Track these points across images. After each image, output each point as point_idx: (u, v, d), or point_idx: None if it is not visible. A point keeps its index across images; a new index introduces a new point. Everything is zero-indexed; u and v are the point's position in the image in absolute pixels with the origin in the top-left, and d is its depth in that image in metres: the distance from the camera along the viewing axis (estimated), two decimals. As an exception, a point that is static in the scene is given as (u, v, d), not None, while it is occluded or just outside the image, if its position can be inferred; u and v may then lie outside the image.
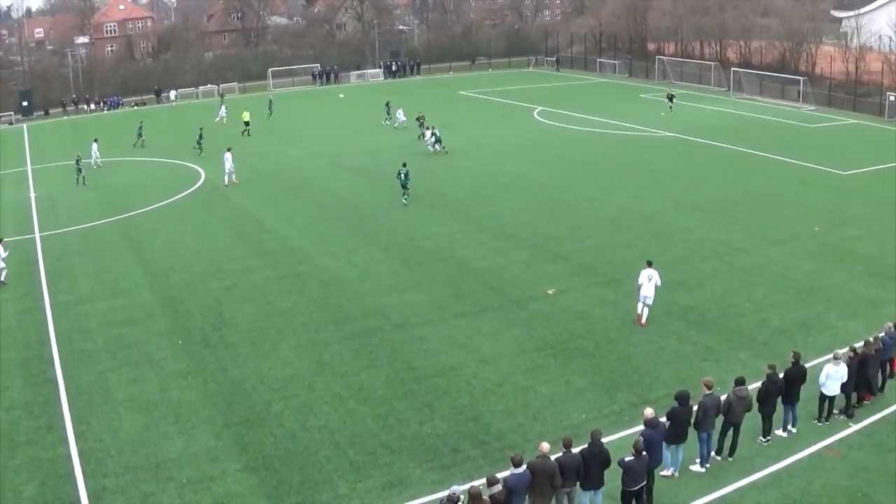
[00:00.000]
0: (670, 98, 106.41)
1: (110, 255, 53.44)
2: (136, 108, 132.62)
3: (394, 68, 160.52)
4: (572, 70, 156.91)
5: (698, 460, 28.08)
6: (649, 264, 40.95)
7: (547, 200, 62.70)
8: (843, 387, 30.38)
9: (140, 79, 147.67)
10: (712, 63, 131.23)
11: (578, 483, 24.68)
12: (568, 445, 24.50)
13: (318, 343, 39.16)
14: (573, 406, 32.70)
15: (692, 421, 27.35)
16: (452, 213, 59.88)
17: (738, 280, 45.64)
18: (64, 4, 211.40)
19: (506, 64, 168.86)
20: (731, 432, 28.47)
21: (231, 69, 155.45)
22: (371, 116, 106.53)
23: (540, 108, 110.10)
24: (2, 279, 48.90)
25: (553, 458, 24.25)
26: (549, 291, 44.43)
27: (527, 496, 23.84)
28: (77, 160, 74.42)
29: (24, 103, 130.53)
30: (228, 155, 71.48)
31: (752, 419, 28.91)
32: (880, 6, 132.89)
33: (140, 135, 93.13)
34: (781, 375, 29.46)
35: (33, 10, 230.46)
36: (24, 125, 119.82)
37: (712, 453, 28.39)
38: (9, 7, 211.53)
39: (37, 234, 57.92)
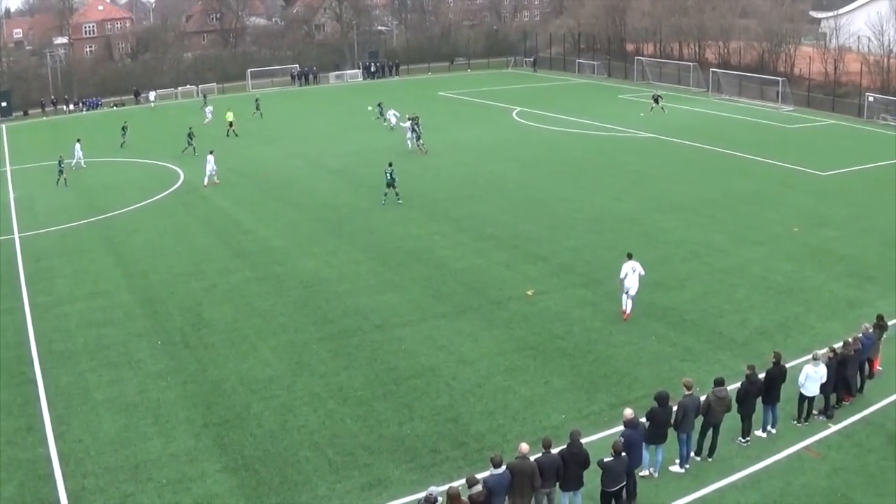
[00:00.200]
0: (656, 99, 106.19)
1: (89, 256, 53.29)
2: (115, 108, 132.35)
3: (373, 69, 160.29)
4: (551, 71, 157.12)
5: (678, 461, 28.13)
6: (629, 257, 41.40)
7: (526, 201, 62.72)
8: (823, 387, 30.47)
9: (119, 79, 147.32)
10: (691, 64, 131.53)
11: (558, 484, 24.70)
12: (547, 446, 24.51)
13: (297, 344, 39.11)
14: (552, 407, 32.73)
15: (672, 421, 27.40)
16: (431, 214, 59.87)
17: (718, 281, 45.75)
18: (42, 5, 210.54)
19: (484, 65, 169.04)
20: (710, 433, 28.52)
21: (210, 70, 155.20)
22: (350, 117, 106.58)
23: (519, 108, 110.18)
24: None
25: (532, 458, 24.26)
26: (529, 292, 44.45)
27: (506, 497, 23.86)
28: (59, 160, 74.09)
29: (3, 104, 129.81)
30: (211, 157, 71.59)
31: (731, 420, 28.99)
32: (859, 7, 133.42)
33: (123, 133, 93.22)
34: (761, 376, 29.58)
35: (12, 10, 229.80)
36: (3, 126, 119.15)
37: (692, 454, 28.44)
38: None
39: (16, 235, 57.73)
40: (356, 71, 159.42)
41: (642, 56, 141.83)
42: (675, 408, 27.49)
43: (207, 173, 71.12)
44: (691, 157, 78.56)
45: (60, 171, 73.66)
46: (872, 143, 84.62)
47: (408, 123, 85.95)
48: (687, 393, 27.64)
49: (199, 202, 66.03)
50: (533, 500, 24.48)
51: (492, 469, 23.54)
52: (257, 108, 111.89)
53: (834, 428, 30.62)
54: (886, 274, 46.03)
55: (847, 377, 31.55)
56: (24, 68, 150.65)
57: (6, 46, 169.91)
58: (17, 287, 48.16)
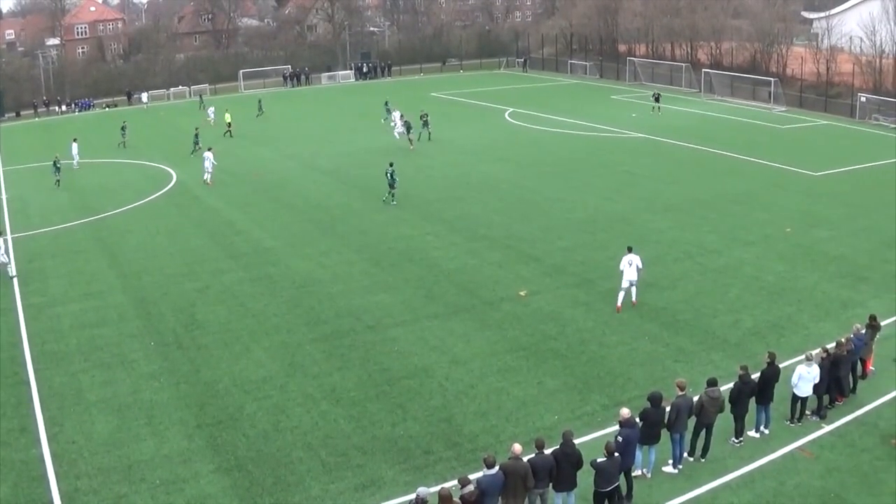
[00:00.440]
0: (657, 98, 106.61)
1: (82, 257, 53.24)
2: (107, 109, 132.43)
3: (365, 70, 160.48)
4: (543, 71, 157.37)
5: (671, 461, 28.15)
6: (629, 250, 41.92)
7: (519, 201, 62.75)
8: (816, 388, 30.49)
9: (111, 80, 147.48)
10: (683, 64, 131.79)
11: (551, 484, 24.71)
12: (540, 447, 24.52)
13: (290, 345, 39.10)
14: (546, 407, 32.74)
15: (665, 422, 27.42)
16: (424, 215, 59.88)
17: (711, 281, 45.78)
18: (35, 6, 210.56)
19: (477, 65, 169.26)
20: (703, 433, 28.53)
21: (202, 71, 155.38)
22: (343, 118, 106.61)
23: (511, 109, 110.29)
24: (13, 273, 49.60)
25: (525, 459, 24.27)
26: (522, 293, 44.46)
27: (500, 498, 23.87)
28: (55, 161, 73.92)
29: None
30: (209, 154, 72.26)
31: (724, 420, 29.01)
32: (851, 7, 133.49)
33: (123, 133, 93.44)
34: (755, 376, 29.61)
35: (4, 11, 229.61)
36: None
37: (685, 454, 28.47)
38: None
39: (9, 236, 57.61)
40: (348, 72, 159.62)
41: (634, 57, 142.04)
42: (668, 408, 27.51)
43: (208, 170, 71.65)
44: (683, 157, 78.63)
45: (57, 170, 73.44)
46: (865, 143, 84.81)
47: (397, 113, 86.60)
48: (680, 393, 27.63)
49: (193, 203, 66.02)
50: (526, 500, 24.49)
51: (485, 470, 23.53)
52: (260, 109, 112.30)
53: (827, 428, 30.65)
54: (879, 274, 46.12)
55: (840, 378, 31.59)
56: (16, 69, 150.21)
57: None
58: (9, 288, 48.05)
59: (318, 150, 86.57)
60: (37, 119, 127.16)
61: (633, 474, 27.08)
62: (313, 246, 53.66)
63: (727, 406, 28.85)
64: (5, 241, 50.51)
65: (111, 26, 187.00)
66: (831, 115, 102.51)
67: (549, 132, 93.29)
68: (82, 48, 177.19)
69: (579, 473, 25.00)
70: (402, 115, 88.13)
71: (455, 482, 24.08)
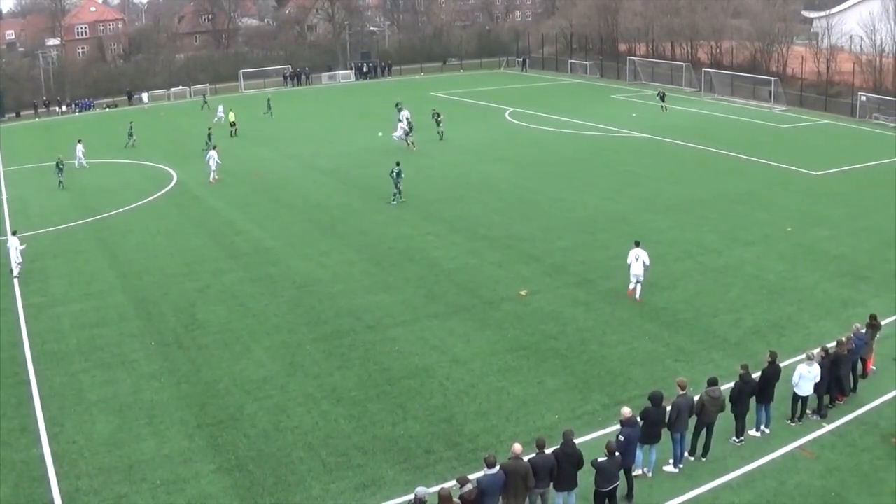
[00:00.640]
0: (662, 97, 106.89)
1: (83, 257, 53.24)
2: (107, 109, 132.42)
3: (365, 69, 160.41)
4: (544, 71, 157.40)
5: (671, 461, 28.14)
6: (637, 244, 42.28)
7: (519, 201, 62.75)
8: (816, 387, 30.47)
9: (111, 80, 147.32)
10: (683, 64, 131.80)
11: (552, 484, 24.70)
12: (541, 446, 24.51)
13: (290, 344, 39.10)
14: (546, 407, 32.73)
15: (666, 421, 27.40)
16: (424, 214, 59.87)
17: (711, 281, 45.77)
18: (35, 6, 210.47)
19: (477, 65, 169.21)
20: (704, 433, 28.51)
21: (202, 71, 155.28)
22: (343, 118, 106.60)
23: (511, 108, 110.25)
24: (15, 273, 49.60)
25: (526, 458, 24.26)
26: (522, 292, 44.45)
27: (500, 497, 23.86)
28: (58, 162, 73.68)
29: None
30: (213, 153, 72.70)
31: (725, 419, 28.99)
32: (851, 6, 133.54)
33: (131, 135, 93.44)
34: (755, 375, 29.60)
35: (4, 11, 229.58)
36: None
37: (685, 454, 28.46)
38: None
39: (9, 236, 57.65)
40: (348, 71, 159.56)
41: (634, 56, 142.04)
42: (668, 408, 27.51)
43: (213, 168, 72.07)
44: (684, 157, 78.59)
45: (60, 171, 73.29)
46: (865, 142, 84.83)
47: (406, 112, 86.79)
48: (681, 393, 27.62)
49: (193, 203, 66.04)
50: (527, 500, 24.49)
51: (486, 469, 23.53)
52: (269, 108, 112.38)
53: (828, 427, 30.64)
54: (880, 273, 46.11)
55: (840, 377, 31.57)
56: (16, 70, 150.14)
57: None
58: (10, 288, 48.07)
59: (319, 149, 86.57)
60: (37, 119, 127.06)
61: (634, 474, 27.09)
62: (313, 246, 53.66)
63: (728, 405, 28.84)
64: (20, 241, 50.66)
65: (111, 26, 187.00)
66: (832, 115, 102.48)
67: (550, 132, 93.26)
68: (82, 48, 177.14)
69: (580, 473, 25.00)
70: (408, 117, 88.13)
71: (454, 482, 24.06)
